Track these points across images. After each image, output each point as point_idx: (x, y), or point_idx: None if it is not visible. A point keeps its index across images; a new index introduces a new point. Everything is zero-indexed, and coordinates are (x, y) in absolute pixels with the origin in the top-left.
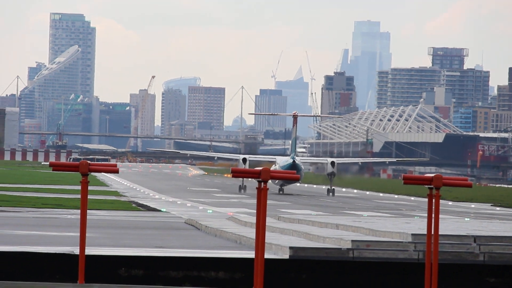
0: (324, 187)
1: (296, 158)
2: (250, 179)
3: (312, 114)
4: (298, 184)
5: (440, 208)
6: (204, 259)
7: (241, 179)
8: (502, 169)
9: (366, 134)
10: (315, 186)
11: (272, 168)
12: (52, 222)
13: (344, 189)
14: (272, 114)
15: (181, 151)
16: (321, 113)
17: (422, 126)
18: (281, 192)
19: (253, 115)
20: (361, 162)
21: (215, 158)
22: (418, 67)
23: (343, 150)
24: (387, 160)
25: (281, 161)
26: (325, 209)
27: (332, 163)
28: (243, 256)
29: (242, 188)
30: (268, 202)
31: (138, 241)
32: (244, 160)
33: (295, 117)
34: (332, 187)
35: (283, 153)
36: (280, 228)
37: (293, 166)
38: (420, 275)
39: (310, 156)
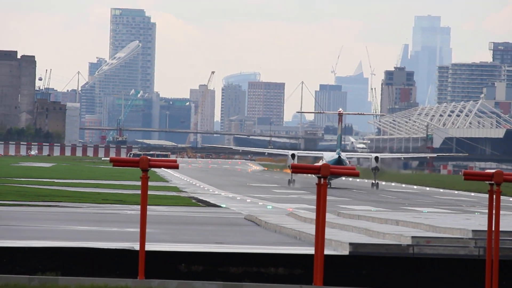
0: (366, 181)
1: (342, 153)
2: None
3: (357, 113)
4: (343, 178)
5: (500, 204)
6: (263, 255)
7: (290, 173)
8: None
9: (426, 130)
10: (358, 180)
11: (320, 163)
12: (113, 218)
13: (403, 185)
14: (319, 112)
15: (229, 147)
16: (380, 109)
17: (483, 121)
18: (328, 186)
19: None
20: (403, 157)
21: (265, 153)
22: (479, 62)
23: (403, 146)
24: (428, 155)
25: (328, 157)
26: (385, 205)
27: (376, 158)
28: (303, 252)
29: (291, 182)
30: (328, 197)
31: (198, 237)
32: (293, 155)
33: (340, 115)
34: (376, 181)
35: (342, 149)
36: (340, 224)
37: (339, 161)
38: (481, 271)
39: (370, 152)
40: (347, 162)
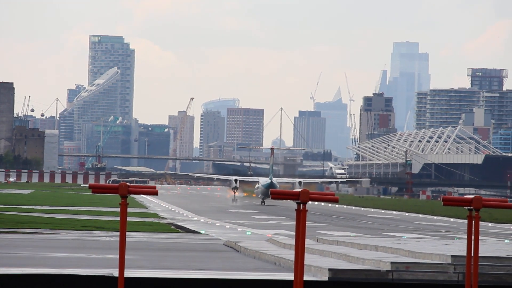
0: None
1: (273, 179)
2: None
3: (287, 147)
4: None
5: (480, 229)
6: (243, 281)
7: (233, 193)
8: None
9: (405, 156)
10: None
11: (256, 186)
12: (92, 245)
13: (383, 211)
14: (256, 147)
15: (184, 173)
16: (359, 134)
17: (461, 147)
18: (263, 204)
19: (292, 136)
20: (320, 182)
21: (215, 179)
22: (457, 88)
23: (382, 171)
24: (339, 180)
25: (263, 181)
26: (364, 230)
27: (300, 182)
28: (282, 278)
29: (234, 200)
30: (307, 223)
31: (177, 263)
32: (236, 180)
33: (272, 149)
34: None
35: (322, 174)
36: (319, 250)
37: (271, 185)
38: None
39: (349, 177)
40: (277, 186)
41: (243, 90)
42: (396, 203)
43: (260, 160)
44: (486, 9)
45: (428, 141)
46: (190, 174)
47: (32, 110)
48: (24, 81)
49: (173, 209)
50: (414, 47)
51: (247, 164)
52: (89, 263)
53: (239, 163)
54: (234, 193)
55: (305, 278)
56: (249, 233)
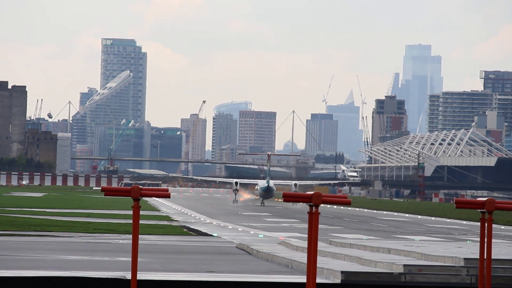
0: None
1: (270, 181)
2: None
3: (286, 154)
4: (273, 199)
5: (492, 232)
6: (255, 283)
7: (234, 194)
8: None
9: (418, 158)
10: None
11: (255, 188)
12: (104, 247)
13: (395, 213)
14: (255, 154)
15: (195, 177)
16: (372, 137)
17: (474, 150)
18: (262, 204)
19: (304, 138)
20: (314, 184)
21: (217, 181)
22: (470, 91)
23: (394, 174)
24: (332, 182)
25: (261, 184)
26: (377, 233)
27: (295, 185)
28: (295, 280)
29: (234, 201)
30: (319, 226)
31: (189, 266)
32: (236, 183)
33: (268, 155)
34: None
35: (334, 177)
36: (331, 253)
37: (268, 188)
38: None
39: (360, 180)
40: (274, 188)
41: (255, 93)
42: (408, 205)
43: (273, 163)
44: (498, 11)
45: (440, 144)
46: (194, 177)
47: (50, 116)
48: (37, 85)
49: (185, 212)
50: (426, 49)
51: (258, 167)
52: (101, 265)
53: (252, 166)
54: (235, 194)
55: (318, 280)
56: (262, 235)
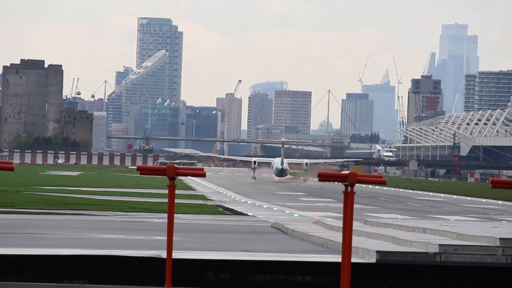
0: (301, 178)
1: (284, 160)
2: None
3: (298, 141)
4: (288, 177)
5: None
6: (290, 263)
7: (253, 171)
8: None
9: (453, 138)
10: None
11: (273, 167)
12: (139, 226)
13: (431, 193)
14: (269, 141)
15: (223, 156)
16: (407, 117)
17: (510, 130)
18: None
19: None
20: (324, 162)
21: (238, 160)
22: (506, 71)
23: (430, 154)
24: (340, 160)
25: (277, 162)
26: (412, 213)
27: (306, 164)
28: (329, 260)
29: (253, 178)
30: (354, 205)
31: (224, 245)
32: (255, 162)
33: (283, 142)
34: (306, 178)
35: (369, 157)
36: (366, 232)
37: (282, 169)
38: (508, 279)
39: (396, 159)
40: (287, 167)
41: (290, 72)
42: (444, 185)
43: (308, 142)
44: None
45: (476, 124)
46: (217, 156)
47: (78, 93)
48: (73, 64)
49: (220, 191)
50: (463, 29)
51: (294, 147)
52: (137, 244)
53: (286, 146)
54: (254, 172)
55: (353, 260)
56: (297, 215)
